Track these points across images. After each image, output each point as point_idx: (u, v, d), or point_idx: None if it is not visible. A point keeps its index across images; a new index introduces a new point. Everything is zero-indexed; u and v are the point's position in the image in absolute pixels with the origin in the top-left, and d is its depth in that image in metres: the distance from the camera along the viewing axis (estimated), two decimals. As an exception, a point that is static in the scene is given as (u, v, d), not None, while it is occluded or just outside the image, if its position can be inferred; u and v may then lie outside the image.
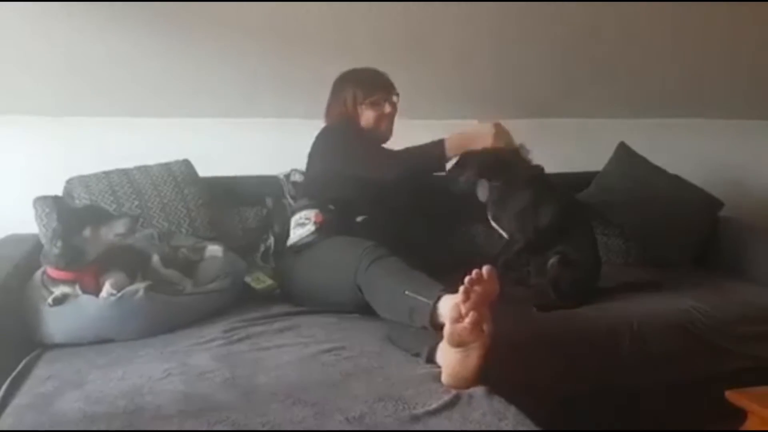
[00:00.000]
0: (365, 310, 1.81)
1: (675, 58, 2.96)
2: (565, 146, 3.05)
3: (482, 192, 2.16)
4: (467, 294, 1.40)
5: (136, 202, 2.19)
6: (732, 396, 1.63)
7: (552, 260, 2.12)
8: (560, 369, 1.97)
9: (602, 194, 2.79)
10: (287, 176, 2.50)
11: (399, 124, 2.29)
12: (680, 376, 2.09)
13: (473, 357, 1.42)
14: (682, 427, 2.06)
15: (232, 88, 2.63)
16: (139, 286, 1.77)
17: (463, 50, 2.72)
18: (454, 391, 1.38)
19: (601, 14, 2.69)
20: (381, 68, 2.27)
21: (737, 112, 3.28)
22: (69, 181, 2.24)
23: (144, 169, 2.30)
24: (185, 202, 2.25)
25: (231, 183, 2.49)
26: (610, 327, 2.04)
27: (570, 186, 2.80)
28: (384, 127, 2.24)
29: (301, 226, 2.08)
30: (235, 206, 2.44)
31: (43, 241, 2.06)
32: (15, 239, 2.21)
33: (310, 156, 2.24)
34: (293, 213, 2.17)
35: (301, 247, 2.06)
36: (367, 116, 2.21)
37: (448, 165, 2.16)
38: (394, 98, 2.24)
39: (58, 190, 2.23)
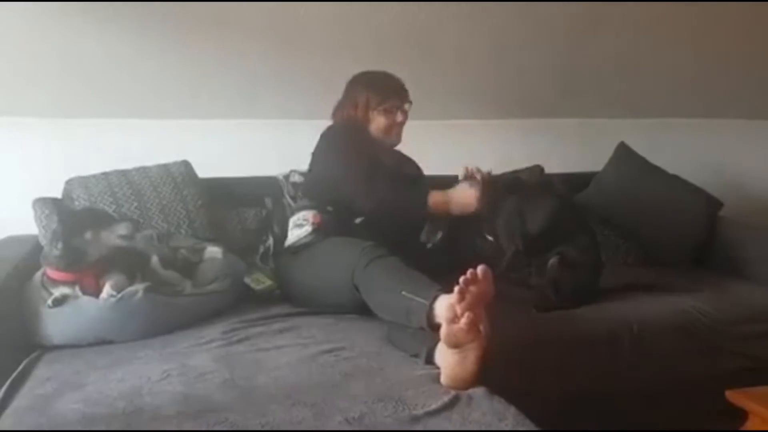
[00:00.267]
0: (363, 310, 1.81)
1: (675, 58, 2.96)
2: (565, 146, 3.06)
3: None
4: (462, 294, 1.40)
5: (136, 203, 2.19)
6: (732, 396, 1.63)
7: (552, 261, 2.11)
8: (560, 369, 1.96)
9: (602, 194, 2.79)
10: (286, 177, 2.50)
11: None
12: (680, 376, 2.09)
13: (471, 358, 1.41)
14: (682, 427, 2.06)
15: (232, 89, 2.63)
16: (139, 288, 1.77)
17: (464, 50, 2.72)
18: (453, 392, 1.38)
19: (601, 14, 2.70)
20: (380, 68, 2.26)
21: (737, 112, 3.28)
22: (68, 182, 2.24)
23: (143, 170, 2.30)
24: (184, 203, 2.25)
25: (230, 184, 2.49)
26: (610, 327, 2.04)
27: (570, 186, 2.80)
28: (393, 134, 2.23)
29: (299, 227, 2.07)
30: (235, 207, 2.43)
31: (43, 242, 2.06)
32: (14, 240, 2.21)
33: (313, 154, 2.23)
34: (292, 214, 2.17)
35: (298, 248, 2.06)
36: (377, 122, 2.20)
37: None
38: (407, 106, 2.22)
39: (57, 192, 2.23)
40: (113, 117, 2.56)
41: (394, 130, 2.22)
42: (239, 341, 1.70)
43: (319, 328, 1.81)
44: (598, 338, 2.02)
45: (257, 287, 2.11)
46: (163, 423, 1.27)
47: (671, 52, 2.93)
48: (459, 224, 2.12)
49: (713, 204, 2.77)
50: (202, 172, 2.40)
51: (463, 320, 1.40)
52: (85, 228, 1.78)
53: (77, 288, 1.76)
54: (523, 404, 1.33)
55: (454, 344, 1.42)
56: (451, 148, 2.77)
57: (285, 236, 2.17)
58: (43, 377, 1.50)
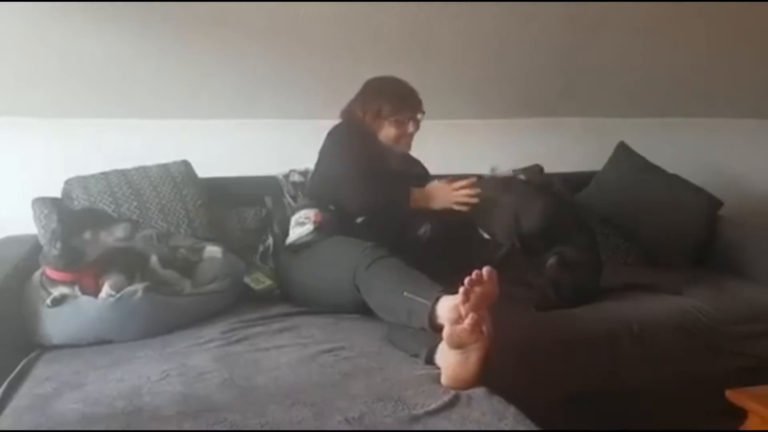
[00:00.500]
0: (363, 309, 1.81)
1: (675, 58, 2.96)
2: (566, 146, 3.06)
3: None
4: (467, 295, 1.40)
5: (135, 203, 2.19)
6: (732, 395, 1.63)
7: (551, 261, 2.11)
8: (560, 369, 1.96)
9: (602, 194, 2.79)
10: (286, 176, 2.50)
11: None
12: (680, 376, 2.08)
13: (473, 359, 1.41)
14: (682, 427, 2.05)
15: (232, 89, 2.63)
16: (138, 287, 1.77)
17: (464, 50, 2.72)
18: (453, 392, 1.38)
19: (602, 14, 2.69)
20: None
21: (737, 111, 3.28)
22: (68, 182, 2.24)
23: (143, 170, 2.30)
24: (184, 203, 2.25)
25: (230, 184, 2.49)
26: (610, 327, 2.04)
27: (570, 185, 2.81)
28: (403, 144, 2.21)
29: (301, 225, 2.07)
30: (234, 207, 2.43)
31: (42, 242, 2.06)
32: (13, 240, 2.20)
33: (320, 152, 2.22)
34: (294, 212, 2.17)
35: (299, 246, 2.06)
36: (387, 131, 2.18)
37: None
38: (420, 116, 2.20)
39: (56, 192, 2.23)
40: (113, 117, 2.56)
41: (404, 140, 2.21)
42: (239, 341, 1.70)
43: (319, 327, 1.81)
44: (598, 338, 2.02)
45: (257, 287, 2.11)
46: (162, 423, 1.26)
47: (671, 52, 2.93)
48: (453, 221, 2.12)
49: (713, 204, 2.77)
50: (202, 171, 2.40)
51: (467, 321, 1.40)
52: (85, 228, 1.78)
53: (76, 288, 1.76)
54: (523, 404, 1.33)
55: (457, 345, 1.42)
56: (452, 148, 2.77)
57: (285, 236, 2.17)
58: (43, 377, 1.50)
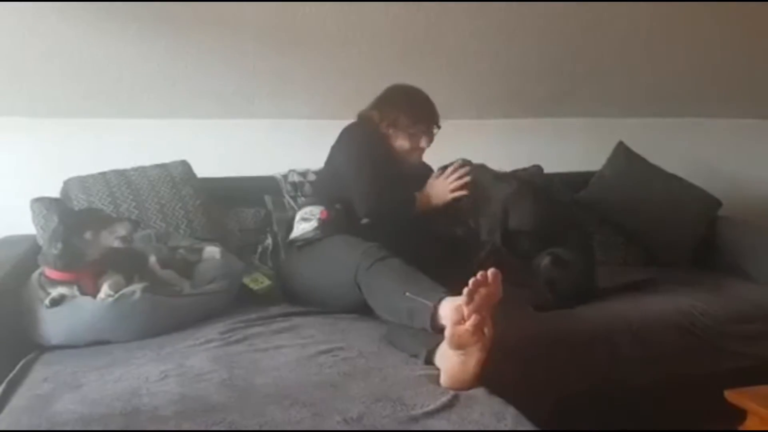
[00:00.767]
0: (363, 309, 1.80)
1: (675, 58, 2.96)
2: (565, 146, 3.06)
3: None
4: (471, 296, 1.40)
5: (134, 203, 2.19)
6: (732, 395, 1.63)
7: (545, 261, 2.11)
8: (559, 369, 1.96)
9: (601, 194, 2.79)
10: (285, 176, 2.50)
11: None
12: (680, 376, 2.08)
13: (473, 360, 1.41)
14: (682, 427, 2.05)
15: (230, 89, 2.63)
16: (137, 288, 1.76)
17: (464, 49, 2.72)
18: (452, 392, 1.38)
19: (601, 14, 2.69)
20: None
21: (736, 111, 3.28)
22: (66, 182, 2.24)
23: (141, 170, 2.30)
24: (183, 203, 2.25)
25: (229, 184, 2.49)
26: (609, 327, 2.04)
27: (570, 185, 2.80)
28: (414, 156, 2.22)
29: (306, 221, 2.07)
30: (233, 207, 2.43)
31: (41, 242, 2.06)
32: (12, 240, 2.21)
33: (332, 148, 2.21)
34: (300, 207, 2.16)
35: (302, 242, 2.05)
36: (401, 143, 2.18)
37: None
38: (435, 130, 2.21)
39: (55, 192, 2.23)
40: (111, 117, 2.56)
41: (416, 153, 2.21)
42: (237, 341, 1.70)
43: (318, 328, 1.80)
44: (598, 338, 2.01)
45: (256, 287, 2.10)
46: (161, 423, 1.26)
47: (671, 52, 2.93)
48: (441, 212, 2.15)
49: (713, 204, 2.77)
50: (201, 171, 2.40)
51: (470, 322, 1.40)
52: (86, 228, 1.78)
53: (75, 288, 1.76)
54: (522, 404, 1.33)
55: (458, 346, 1.42)
56: (452, 148, 2.76)
57: (284, 236, 2.16)
58: (41, 377, 1.50)
